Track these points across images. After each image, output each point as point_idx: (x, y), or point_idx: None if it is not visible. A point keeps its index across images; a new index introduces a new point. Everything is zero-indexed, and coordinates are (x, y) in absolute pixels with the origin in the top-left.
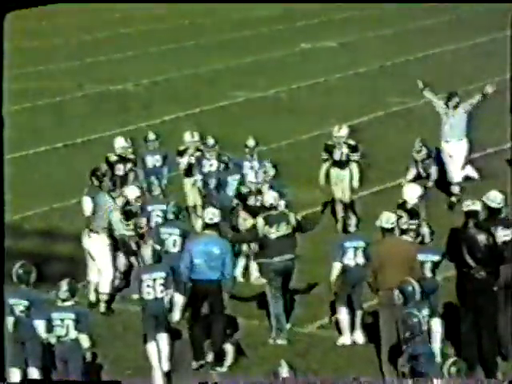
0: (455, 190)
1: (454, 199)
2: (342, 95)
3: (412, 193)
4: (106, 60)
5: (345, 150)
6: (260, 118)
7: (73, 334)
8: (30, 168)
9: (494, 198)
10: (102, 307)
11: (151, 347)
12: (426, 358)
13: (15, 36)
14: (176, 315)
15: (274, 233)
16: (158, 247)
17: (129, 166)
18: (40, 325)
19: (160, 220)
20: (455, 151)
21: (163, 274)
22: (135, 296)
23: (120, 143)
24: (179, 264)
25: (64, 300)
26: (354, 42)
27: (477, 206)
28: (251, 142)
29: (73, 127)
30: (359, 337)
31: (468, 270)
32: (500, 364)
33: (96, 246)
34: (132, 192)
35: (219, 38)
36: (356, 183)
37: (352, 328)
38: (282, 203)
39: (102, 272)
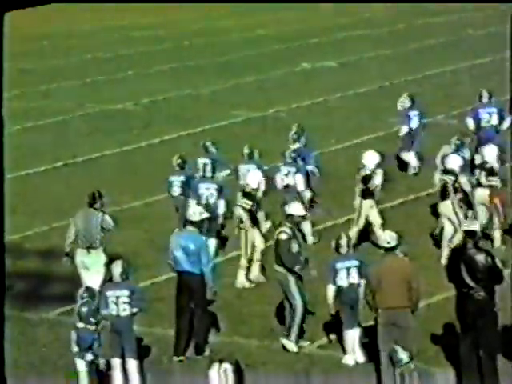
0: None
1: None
2: (342, 115)
3: (371, 159)
4: (106, 80)
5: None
6: (260, 138)
7: None
8: (30, 187)
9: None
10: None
11: (114, 362)
12: None
13: (16, 56)
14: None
15: None
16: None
17: None
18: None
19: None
20: None
21: (126, 292)
22: (103, 311)
23: None
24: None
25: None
26: (353, 62)
27: (475, 226)
28: None
29: (73, 146)
30: (359, 356)
31: (467, 291)
32: None
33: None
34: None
35: (219, 57)
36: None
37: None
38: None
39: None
